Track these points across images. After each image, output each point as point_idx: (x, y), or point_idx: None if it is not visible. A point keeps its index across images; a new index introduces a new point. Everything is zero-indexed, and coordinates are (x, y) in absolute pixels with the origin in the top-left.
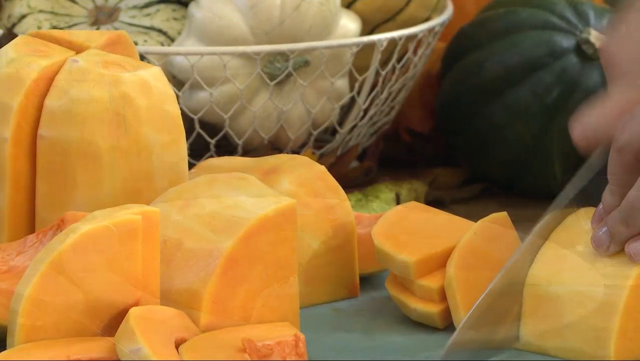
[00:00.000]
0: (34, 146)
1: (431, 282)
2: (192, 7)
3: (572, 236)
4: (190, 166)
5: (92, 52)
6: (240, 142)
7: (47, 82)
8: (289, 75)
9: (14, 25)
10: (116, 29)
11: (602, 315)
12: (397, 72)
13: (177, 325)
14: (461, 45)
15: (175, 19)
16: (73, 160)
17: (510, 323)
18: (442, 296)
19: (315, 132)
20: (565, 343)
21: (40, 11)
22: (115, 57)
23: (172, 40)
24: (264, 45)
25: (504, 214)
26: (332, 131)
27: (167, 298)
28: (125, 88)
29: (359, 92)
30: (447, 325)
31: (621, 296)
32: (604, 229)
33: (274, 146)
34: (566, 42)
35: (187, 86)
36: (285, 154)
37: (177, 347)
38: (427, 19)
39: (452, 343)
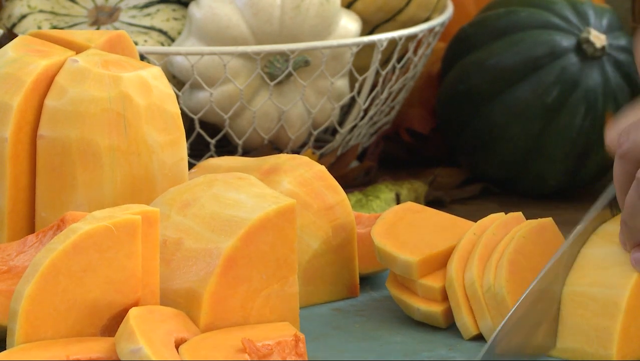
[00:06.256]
0: (34, 146)
1: (433, 281)
2: (192, 7)
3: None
4: (190, 166)
5: (92, 52)
6: (240, 142)
7: (47, 82)
8: (289, 75)
9: (14, 25)
10: (116, 29)
11: (604, 315)
12: (397, 72)
13: (177, 325)
14: (461, 45)
15: (175, 19)
16: (73, 160)
17: (547, 329)
18: (444, 295)
19: (315, 132)
20: (567, 344)
21: (40, 11)
22: (115, 57)
23: (172, 40)
24: (264, 45)
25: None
26: (332, 131)
27: (167, 298)
28: (125, 88)
29: (359, 92)
30: (450, 325)
31: (623, 296)
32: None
33: (274, 146)
34: (566, 41)
35: (187, 86)
36: (285, 154)
37: (177, 347)
38: (427, 19)
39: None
